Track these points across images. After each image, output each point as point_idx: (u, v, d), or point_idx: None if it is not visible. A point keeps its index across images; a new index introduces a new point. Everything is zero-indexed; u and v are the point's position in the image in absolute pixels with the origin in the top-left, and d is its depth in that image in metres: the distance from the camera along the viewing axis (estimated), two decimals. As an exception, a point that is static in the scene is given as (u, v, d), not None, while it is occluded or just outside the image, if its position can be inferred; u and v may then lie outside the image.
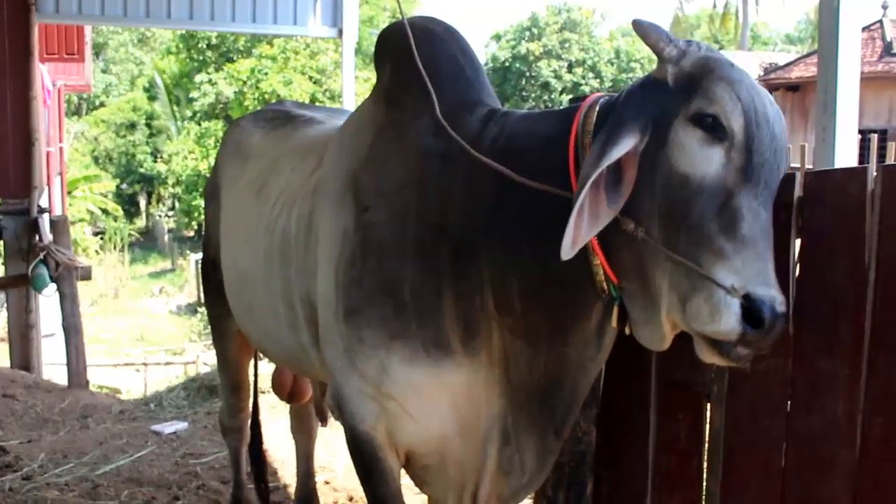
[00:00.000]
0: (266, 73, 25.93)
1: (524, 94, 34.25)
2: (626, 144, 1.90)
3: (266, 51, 26.62)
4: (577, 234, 1.88)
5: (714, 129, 1.85)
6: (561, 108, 2.34)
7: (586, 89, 30.44)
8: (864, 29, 18.68)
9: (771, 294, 1.76)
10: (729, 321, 1.77)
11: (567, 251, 1.87)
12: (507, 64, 34.54)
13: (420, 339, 2.30)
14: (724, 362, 1.87)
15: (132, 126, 34.97)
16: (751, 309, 1.76)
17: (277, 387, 3.90)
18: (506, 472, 2.39)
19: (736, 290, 1.77)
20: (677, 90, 1.91)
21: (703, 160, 1.86)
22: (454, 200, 2.29)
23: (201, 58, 29.73)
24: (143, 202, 37.29)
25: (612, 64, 34.90)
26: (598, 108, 2.09)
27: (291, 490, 4.31)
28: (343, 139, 2.67)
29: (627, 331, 2.08)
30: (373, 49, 2.76)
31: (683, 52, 1.94)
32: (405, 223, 2.34)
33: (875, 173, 1.96)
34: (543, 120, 2.28)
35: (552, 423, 2.31)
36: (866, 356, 1.95)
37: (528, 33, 34.99)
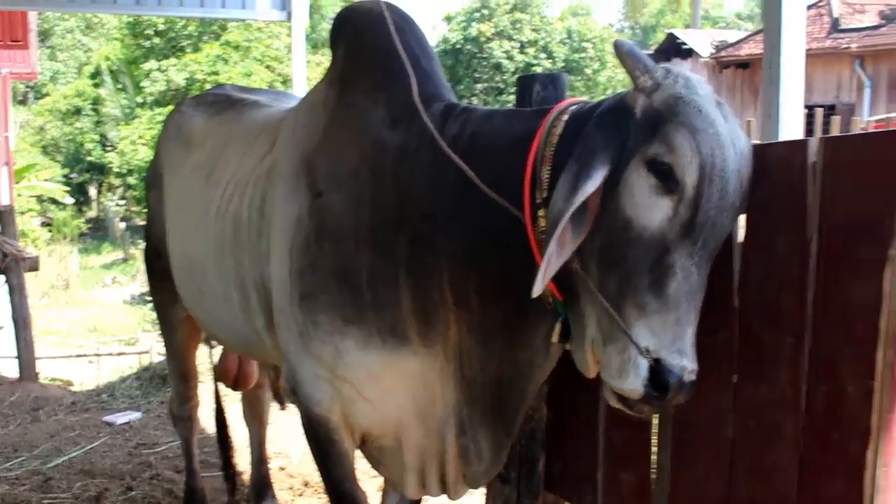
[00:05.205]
0: (227, 62, 25.48)
1: (476, 75, 34.14)
2: (599, 177, 1.82)
3: (233, 38, 26.16)
4: (548, 271, 1.83)
5: (666, 178, 1.78)
6: (527, 110, 2.29)
7: (538, 69, 30.35)
8: (811, 6, 18.88)
9: (682, 364, 1.77)
10: (634, 382, 1.80)
11: (539, 290, 1.83)
12: (458, 46, 34.35)
13: (375, 326, 2.29)
14: (626, 411, 1.90)
15: (77, 111, 34.28)
16: (658, 374, 1.77)
17: (222, 374, 3.87)
18: (465, 459, 2.40)
19: (649, 353, 1.77)
20: (641, 126, 1.82)
21: (649, 209, 1.80)
22: (413, 193, 2.25)
23: (149, 44, 29.25)
24: (93, 191, 36.70)
25: (565, 44, 34.86)
26: (565, 119, 2.03)
27: (246, 477, 4.28)
28: (297, 122, 2.63)
29: (568, 346, 2.07)
30: (324, 35, 2.73)
31: (658, 84, 1.83)
32: (359, 210, 2.31)
33: (816, 146, 1.97)
34: (508, 122, 2.22)
35: (501, 421, 2.31)
36: (810, 326, 1.97)
37: (478, 14, 34.85)
